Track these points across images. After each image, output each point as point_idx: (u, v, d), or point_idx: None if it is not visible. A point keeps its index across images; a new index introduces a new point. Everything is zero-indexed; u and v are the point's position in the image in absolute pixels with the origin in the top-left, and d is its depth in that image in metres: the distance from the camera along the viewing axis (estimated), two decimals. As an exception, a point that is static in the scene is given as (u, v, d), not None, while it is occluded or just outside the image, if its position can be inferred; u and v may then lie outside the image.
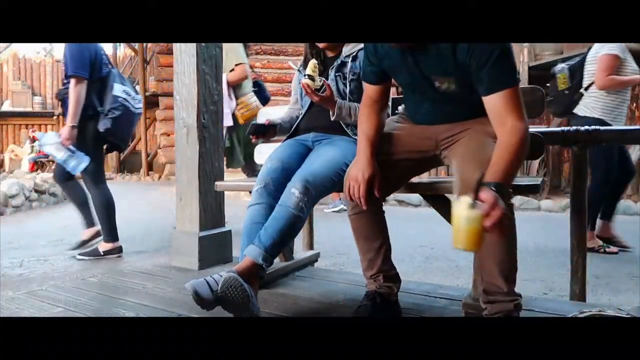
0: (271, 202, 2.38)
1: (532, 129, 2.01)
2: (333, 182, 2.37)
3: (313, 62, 2.43)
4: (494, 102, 1.86)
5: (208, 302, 2.07)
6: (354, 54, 2.67)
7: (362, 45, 2.67)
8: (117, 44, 19.84)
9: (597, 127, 2.65)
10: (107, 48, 23.29)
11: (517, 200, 7.70)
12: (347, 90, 2.63)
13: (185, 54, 3.27)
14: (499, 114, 1.85)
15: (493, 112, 1.88)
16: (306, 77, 2.41)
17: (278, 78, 11.75)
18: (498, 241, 1.85)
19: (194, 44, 3.20)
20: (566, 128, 2.67)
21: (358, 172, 2.06)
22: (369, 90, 2.24)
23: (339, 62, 2.68)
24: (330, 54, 2.75)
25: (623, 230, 4.82)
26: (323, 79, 2.47)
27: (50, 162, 17.50)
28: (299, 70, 2.84)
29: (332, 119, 2.53)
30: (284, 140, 2.76)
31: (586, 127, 2.59)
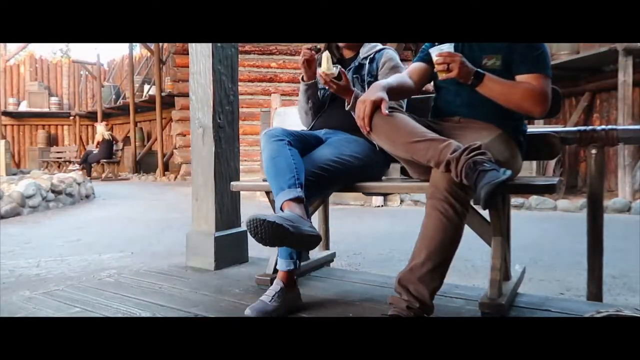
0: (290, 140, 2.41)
1: (549, 128, 2.03)
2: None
3: (326, 54, 2.41)
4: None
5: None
6: (371, 55, 2.69)
7: (379, 46, 2.71)
8: (133, 44, 19.95)
9: (613, 126, 2.64)
10: (123, 48, 23.50)
11: (533, 199, 7.66)
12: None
13: (201, 54, 3.28)
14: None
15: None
16: (327, 65, 2.40)
17: (294, 78, 11.80)
18: (435, 235, 2.00)
19: (210, 45, 3.21)
20: (583, 128, 2.65)
21: (367, 95, 2.15)
22: (410, 67, 2.48)
23: (356, 64, 2.70)
24: (348, 55, 2.78)
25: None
26: (339, 66, 2.46)
27: (67, 163, 17.63)
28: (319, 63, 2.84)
29: (347, 108, 2.49)
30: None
31: (602, 126, 2.58)
